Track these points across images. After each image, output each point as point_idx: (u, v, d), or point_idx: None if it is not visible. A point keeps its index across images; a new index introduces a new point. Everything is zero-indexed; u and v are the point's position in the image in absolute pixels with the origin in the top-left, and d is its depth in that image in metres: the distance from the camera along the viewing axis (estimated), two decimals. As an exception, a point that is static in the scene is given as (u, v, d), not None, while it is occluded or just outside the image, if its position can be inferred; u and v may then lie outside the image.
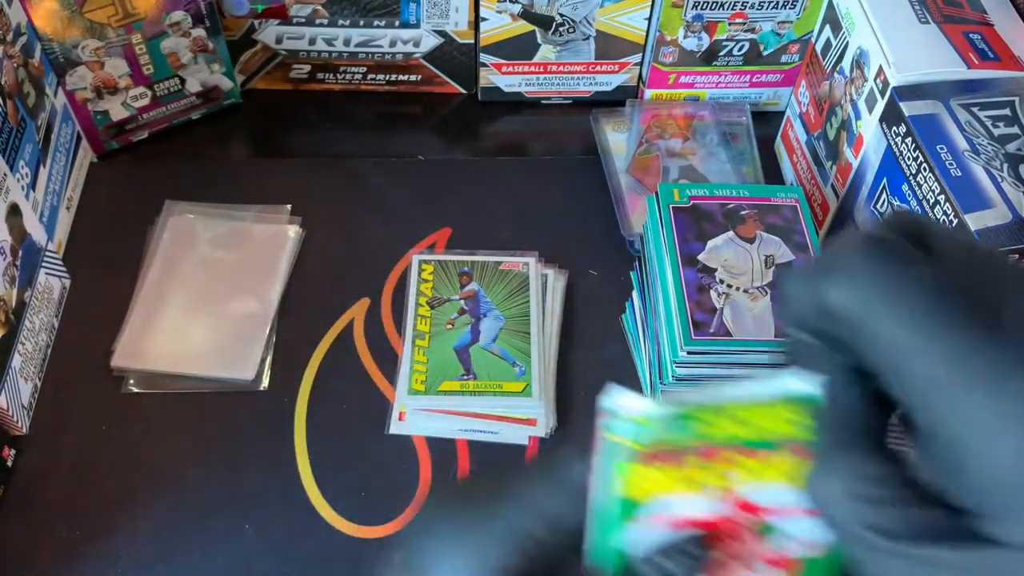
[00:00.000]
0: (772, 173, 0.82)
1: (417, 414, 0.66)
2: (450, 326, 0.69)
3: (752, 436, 0.32)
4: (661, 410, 0.34)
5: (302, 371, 0.69)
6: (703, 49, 0.82)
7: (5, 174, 0.63)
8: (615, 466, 0.34)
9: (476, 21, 0.82)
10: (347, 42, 0.84)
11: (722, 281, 0.58)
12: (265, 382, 0.68)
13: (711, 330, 0.56)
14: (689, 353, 0.55)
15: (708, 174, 0.79)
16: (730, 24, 0.80)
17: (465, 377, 0.67)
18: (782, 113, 0.84)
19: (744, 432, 0.32)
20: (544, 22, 0.82)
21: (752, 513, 0.33)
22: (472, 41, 0.84)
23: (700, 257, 0.59)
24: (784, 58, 0.84)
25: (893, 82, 0.61)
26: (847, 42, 0.68)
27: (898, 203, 0.61)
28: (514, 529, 0.33)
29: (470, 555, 0.32)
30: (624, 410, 0.35)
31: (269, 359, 0.69)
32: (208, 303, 0.71)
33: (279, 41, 0.84)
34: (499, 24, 0.81)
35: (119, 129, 0.81)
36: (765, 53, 0.83)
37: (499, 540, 0.33)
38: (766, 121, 0.86)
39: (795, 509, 0.32)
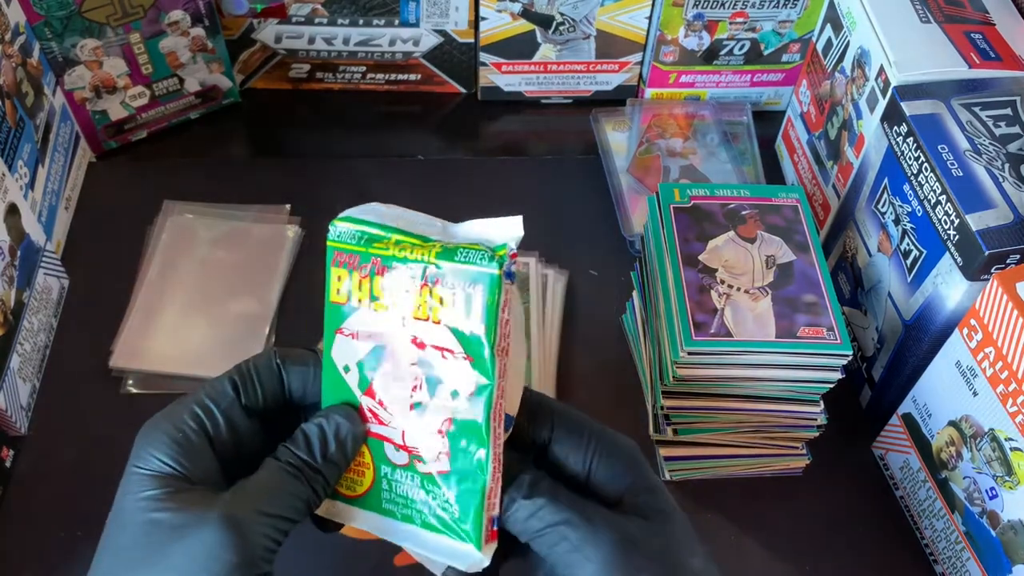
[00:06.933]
0: (773, 173, 0.82)
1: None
2: (450, 326, 0.69)
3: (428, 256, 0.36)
4: (372, 218, 0.37)
5: (302, 371, 0.68)
6: (704, 48, 0.82)
7: (3, 174, 0.63)
8: (328, 270, 0.38)
9: (476, 20, 0.82)
10: (346, 41, 0.84)
11: (723, 281, 0.58)
12: (264, 382, 0.68)
13: (712, 330, 0.56)
14: (690, 353, 0.55)
15: (709, 174, 0.79)
16: (731, 23, 0.80)
17: (465, 377, 0.67)
18: (783, 113, 0.84)
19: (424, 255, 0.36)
20: (544, 21, 0.81)
21: (420, 348, 0.37)
22: (472, 40, 0.84)
23: (701, 257, 0.59)
24: (785, 57, 0.83)
25: (894, 82, 0.61)
26: (848, 41, 0.68)
27: (899, 203, 0.61)
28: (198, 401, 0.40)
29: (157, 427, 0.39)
30: (351, 215, 0.38)
31: (268, 359, 0.69)
32: (207, 303, 0.71)
33: (278, 40, 0.83)
34: (499, 23, 0.81)
35: (118, 129, 0.80)
36: (766, 52, 0.83)
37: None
38: (767, 121, 0.86)
39: (457, 351, 0.36)
